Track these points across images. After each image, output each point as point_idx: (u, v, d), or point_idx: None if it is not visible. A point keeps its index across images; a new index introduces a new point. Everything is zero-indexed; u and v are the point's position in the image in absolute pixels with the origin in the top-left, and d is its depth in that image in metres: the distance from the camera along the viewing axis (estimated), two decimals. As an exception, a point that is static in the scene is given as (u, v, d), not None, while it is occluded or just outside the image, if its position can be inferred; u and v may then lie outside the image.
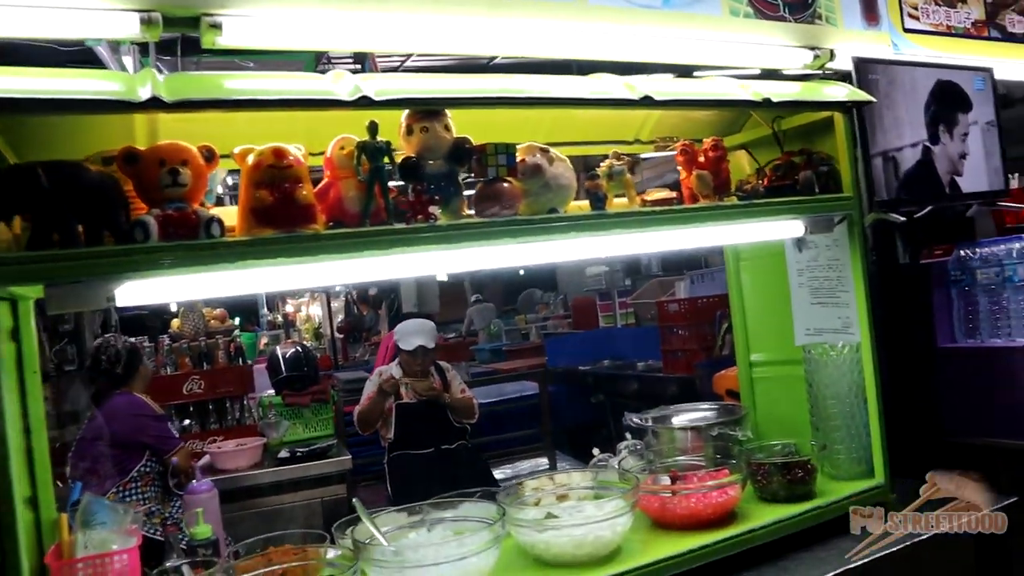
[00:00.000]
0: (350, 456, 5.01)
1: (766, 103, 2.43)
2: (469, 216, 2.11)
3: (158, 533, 3.57)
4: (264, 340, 10.81)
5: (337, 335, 13.90)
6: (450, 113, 2.10)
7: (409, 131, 2.06)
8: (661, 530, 2.46)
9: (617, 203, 2.38)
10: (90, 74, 1.88)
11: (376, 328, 13.67)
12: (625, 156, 2.38)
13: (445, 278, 14.46)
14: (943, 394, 3.11)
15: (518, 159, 2.14)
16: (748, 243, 3.16)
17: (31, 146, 1.99)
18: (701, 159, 2.48)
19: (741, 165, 3.11)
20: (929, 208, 3.26)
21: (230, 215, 1.89)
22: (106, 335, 4.93)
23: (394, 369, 4.97)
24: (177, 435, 4.28)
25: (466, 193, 2.16)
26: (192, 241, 1.71)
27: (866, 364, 2.70)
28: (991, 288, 3.06)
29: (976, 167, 3.26)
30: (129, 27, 1.96)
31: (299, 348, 5.80)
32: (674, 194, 2.41)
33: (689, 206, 2.39)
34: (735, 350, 3.29)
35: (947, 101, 3.17)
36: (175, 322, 5.84)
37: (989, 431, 3.01)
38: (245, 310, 12.41)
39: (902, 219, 2.99)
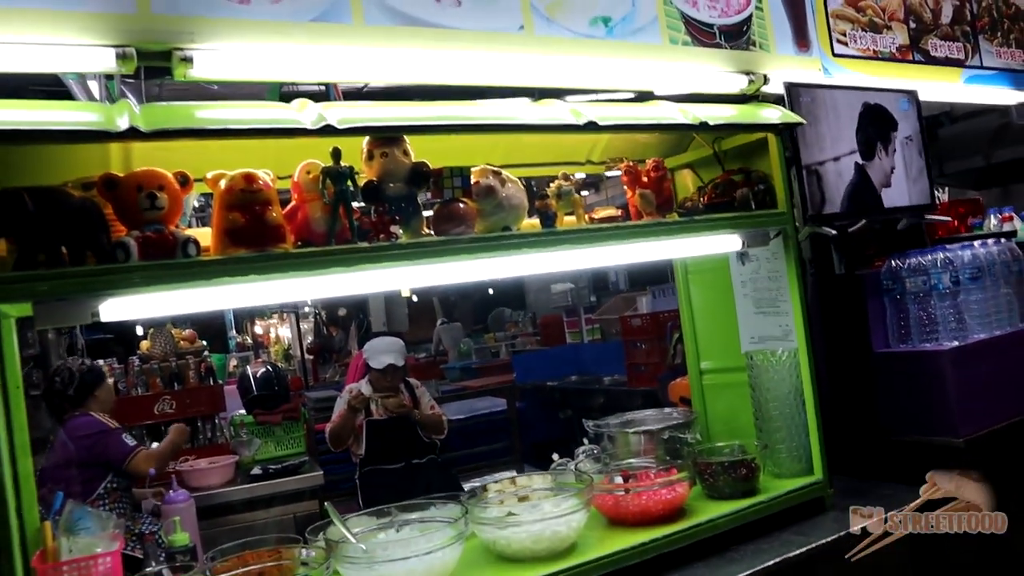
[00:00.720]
0: (322, 472, 5.11)
1: (703, 126, 2.62)
2: (428, 235, 2.27)
3: (136, 549, 3.63)
4: (234, 362, 10.85)
5: (307, 356, 13.93)
6: (408, 139, 2.26)
7: (370, 156, 2.22)
8: (616, 527, 2.61)
9: (567, 221, 2.55)
10: (69, 105, 2.04)
11: (346, 348, 13.73)
12: (573, 177, 2.55)
13: (415, 299, 14.64)
14: (879, 396, 3.30)
15: (473, 181, 2.31)
16: (695, 257, 3.35)
17: (11, 172, 2.10)
18: (644, 179, 2.66)
19: (686, 184, 3.32)
20: (863, 221, 3.47)
21: (204, 236, 2.03)
22: (64, 359, 4.99)
23: (364, 386, 5.08)
24: (132, 443, 4.32)
25: (425, 213, 2.32)
26: (170, 260, 1.85)
27: (803, 368, 2.89)
28: (920, 296, 3.27)
29: (902, 183, 3.49)
30: (105, 62, 2.09)
31: (269, 368, 5.89)
32: (619, 212, 2.59)
33: (633, 223, 2.58)
34: (686, 359, 3.47)
35: (874, 121, 3.39)
36: (144, 343, 5.90)
37: (921, 429, 3.20)
38: (213, 332, 12.40)
39: (834, 232, 3.19)
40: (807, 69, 3.29)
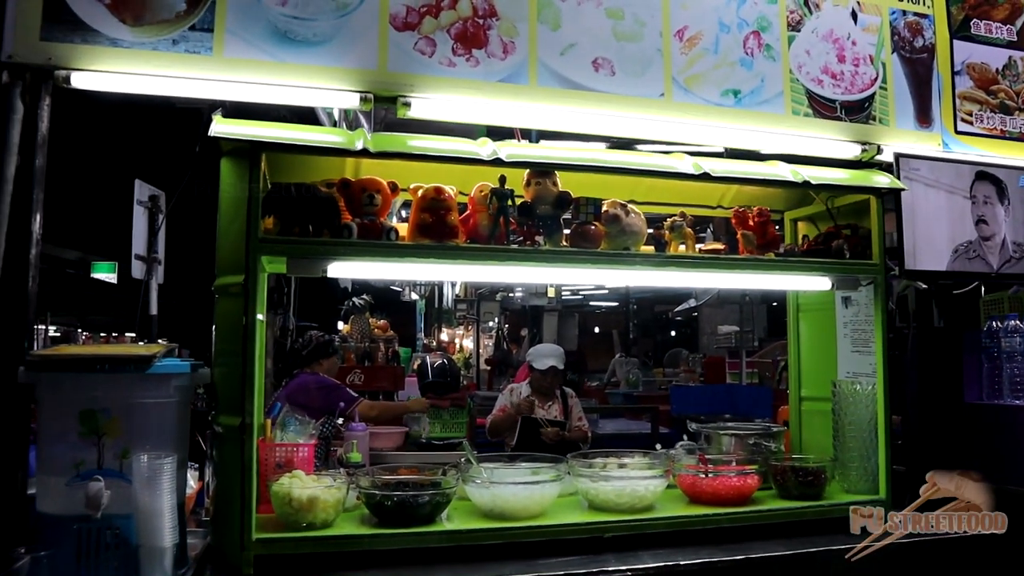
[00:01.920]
0: (476, 453, 5.88)
1: (805, 184, 3.17)
2: (565, 246, 2.98)
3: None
4: (417, 362, 12.02)
5: (484, 367, 15.02)
6: (559, 174, 2.99)
7: (528, 183, 2.98)
8: (692, 504, 3.18)
9: (680, 250, 3.18)
10: (323, 130, 2.95)
11: (520, 365, 14.72)
12: (687, 216, 3.17)
13: (596, 330, 15.41)
14: (965, 442, 3.63)
15: (603, 209, 3.00)
16: (807, 298, 3.85)
17: (282, 171, 3.03)
18: (750, 222, 3.24)
19: (809, 232, 3.83)
20: (975, 283, 3.82)
21: (403, 228, 2.86)
22: (312, 329, 6.08)
23: (524, 387, 5.81)
24: (356, 394, 5.26)
25: (566, 231, 3.04)
26: (378, 241, 2.69)
27: (879, 402, 3.31)
28: (1015, 356, 3.59)
29: (1009, 250, 3.80)
30: (352, 101, 2.99)
31: (445, 360, 6.79)
32: (723, 246, 3.18)
33: (729, 256, 3.17)
34: (788, 386, 3.95)
35: (987, 191, 3.75)
36: (345, 327, 6.99)
37: (1004, 478, 3.50)
38: (404, 333, 13.70)
39: (924, 286, 3.59)
40: (925, 144, 3.71)
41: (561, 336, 14.70)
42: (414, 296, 13.21)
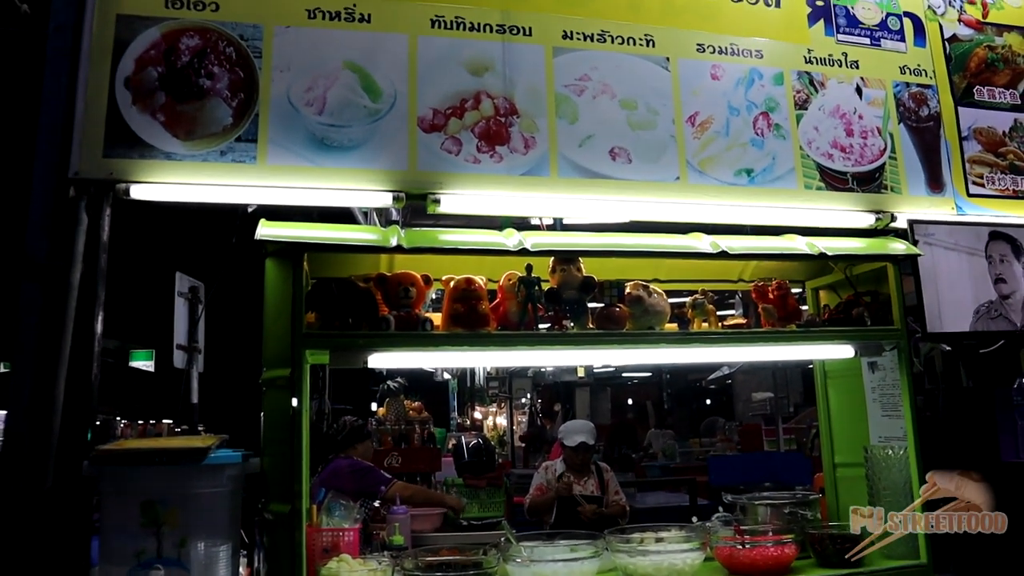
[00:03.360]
0: (515, 532, 5.92)
1: (821, 256, 3.29)
2: (592, 328, 3.11)
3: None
4: (452, 442, 12.10)
5: (519, 444, 15.01)
6: (582, 259, 3.14)
7: (553, 270, 3.14)
8: (731, 575, 3.22)
9: (703, 326, 3.30)
10: (359, 228, 3.14)
11: (555, 441, 14.68)
12: (709, 293, 3.30)
13: (629, 401, 15.30)
14: (1007, 501, 3.63)
15: (626, 292, 3.14)
16: (833, 364, 3.92)
17: (317, 267, 3.22)
18: (770, 296, 3.36)
19: (830, 301, 3.93)
20: (1001, 342, 3.88)
21: (436, 317, 3.01)
22: (346, 413, 6.24)
23: (558, 464, 5.88)
24: (389, 476, 5.36)
25: (591, 314, 3.18)
26: (414, 332, 2.85)
27: (912, 464, 3.36)
28: (1048, 412, 3.63)
29: (1031, 310, 3.88)
30: (384, 200, 3.19)
31: (480, 440, 6.91)
32: (745, 320, 3.29)
33: (751, 330, 3.28)
34: (821, 453, 3.99)
35: (1003, 249, 3.84)
36: (380, 409, 7.13)
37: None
38: (438, 411, 13.79)
39: (948, 348, 3.66)
40: (939, 208, 3.83)
41: (594, 410, 14.73)
42: (447, 376, 13.36)
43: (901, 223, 3.75)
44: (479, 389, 13.88)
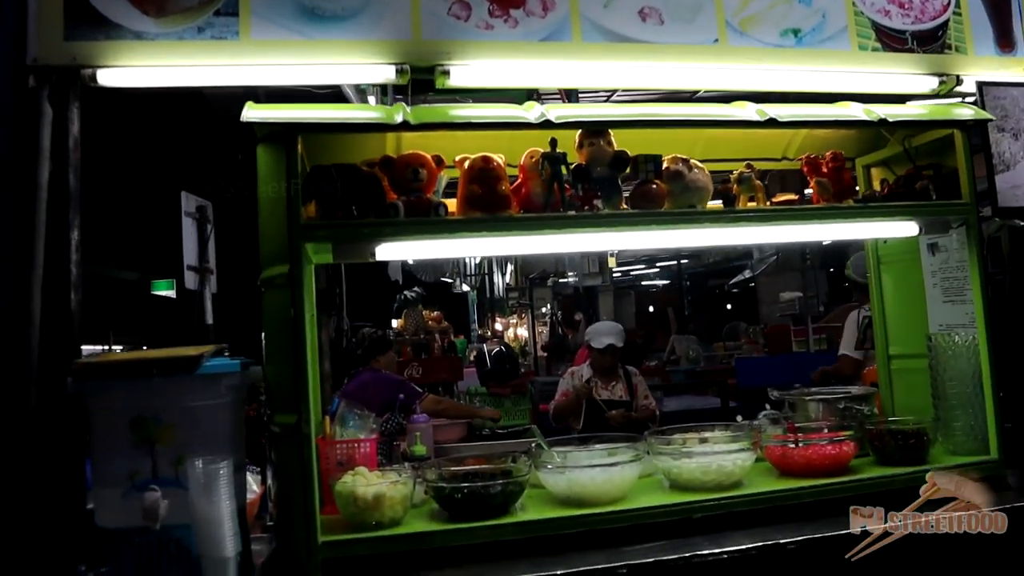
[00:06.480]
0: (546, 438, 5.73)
1: (881, 123, 2.90)
2: (625, 208, 2.77)
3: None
4: (473, 352, 11.95)
5: (541, 354, 14.89)
6: (612, 132, 2.78)
7: (580, 145, 2.77)
8: (783, 476, 2.95)
9: (750, 205, 2.94)
10: (361, 107, 2.77)
11: (578, 349, 14.53)
12: (755, 168, 2.94)
13: (651, 309, 15.10)
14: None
15: (664, 166, 2.78)
16: (887, 249, 3.57)
17: (321, 153, 2.87)
18: (824, 169, 2.99)
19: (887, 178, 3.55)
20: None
21: (451, 204, 2.68)
22: (364, 326, 6.00)
23: (585, 369, 5.63)
24: (421, 389, 5.17)
25: (625, 193, 2.83)
26: (426, 218, 2.51)
27: (982, 353, 3.03)
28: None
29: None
30: (387, 74, 2.83)
31: (502, 347, 6.69)
32: (796, 196, 2.94)
33: (805, 206, 2.92)
34: (875, 345, 3.68)
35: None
36: (398, 322, 6.90)
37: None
38: (457, 324, 13.63)
39: (1022, 224, 3.29)
40: (1010, 70, 3.41)
41: (618, 316, 14.43)
42: (465, 288, 13.12)
43: (966, 87, 3.34)
44: (499, 300, 13.65)
